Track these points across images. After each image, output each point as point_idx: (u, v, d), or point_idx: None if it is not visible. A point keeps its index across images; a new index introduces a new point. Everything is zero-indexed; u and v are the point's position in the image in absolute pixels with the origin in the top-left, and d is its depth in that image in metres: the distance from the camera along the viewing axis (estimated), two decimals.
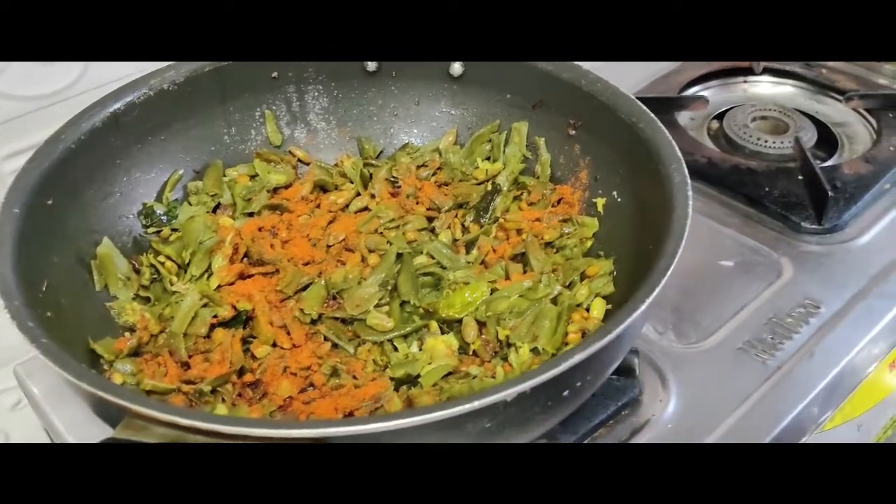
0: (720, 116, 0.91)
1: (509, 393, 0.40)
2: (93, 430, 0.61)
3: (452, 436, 0.42)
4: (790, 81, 0.96)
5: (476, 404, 0.39)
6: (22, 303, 0.46)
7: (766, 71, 0.96)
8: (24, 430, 0.81)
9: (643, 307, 0.43)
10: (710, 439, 0.59)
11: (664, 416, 0.61)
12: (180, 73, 0.65)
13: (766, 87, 0.96)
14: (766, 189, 0.79)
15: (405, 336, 0.59)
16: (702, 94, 0.94)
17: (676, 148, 0.56)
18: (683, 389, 0.63)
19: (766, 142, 0.86)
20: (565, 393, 0.45)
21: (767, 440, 0.60)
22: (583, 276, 0.60)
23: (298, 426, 0.39)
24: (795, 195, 0.78)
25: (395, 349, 0.58)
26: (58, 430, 0.62)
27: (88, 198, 0.60)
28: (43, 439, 0.83)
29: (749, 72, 0.96)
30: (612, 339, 0.42)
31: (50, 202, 0.56)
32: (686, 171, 0.54)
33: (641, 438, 0.60)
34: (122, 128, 0.62)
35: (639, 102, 0.60)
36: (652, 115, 0.59)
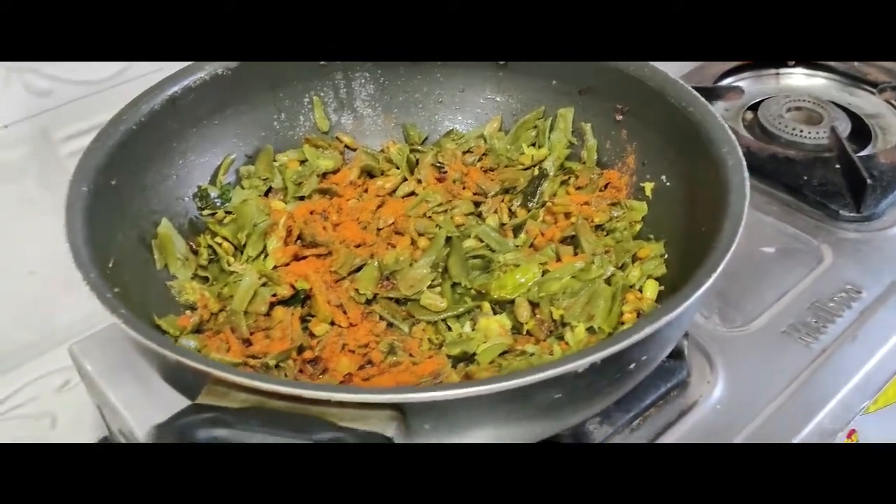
0: (753, 107, 0.92)
1: (582, 363, 0.41)
2: (149, 408, 0.62)
3: (523, 406, 0.43)
4: (822, 73, 0.97)
5: (551, 373, 0.40)
6: (97, 276, 0.47)
7: (798, 63, 0.96)
8: (71, 411, 0.82)
9: (714, 275, 0.45)
10: (758, 421, 0.60)
11: (712, 398, 0.62)
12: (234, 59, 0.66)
13: (798, 79, 0.97)
14: (804, 178, 0.80)
15: (458, 316, 0.60)
16: (735, 84, 0.95)
17: (729, 131, 0.57)
18: (730, 372, 0.64)
19: (801, 132, 0.86)
20: (632, 366, 0.46)
21: (814, 422, 0.60)
22: (634, 259, 0.61)
23: (380, 391, 0.40)
24: (833, 184, 0.79)
25: (449, 329, 0.59)
26: (115, 407, 0.63)
27: (148, 179, 0.61)
28: (88, 420, 0.84)
29: (782, 63, 0.97)
30: (686, 307, 0.43)
31: (114, 182, 0.57)
32: (740, 153, 0.55)
33: (690, 419, 0.61)
34: (179, 111, 0.63)
35: (688, 87, 0.61)
36: (702, 99, 0.60)
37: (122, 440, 0.67)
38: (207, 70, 0.65)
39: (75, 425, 0.84)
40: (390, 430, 0.40)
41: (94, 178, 0.55)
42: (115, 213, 0.57)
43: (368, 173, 0.72)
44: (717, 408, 0.61)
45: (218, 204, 0.66)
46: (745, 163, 0.54)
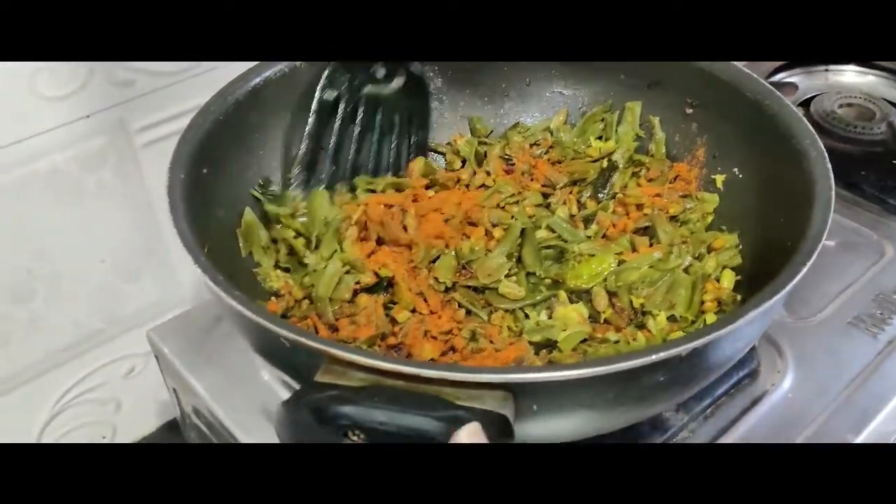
0: (804, 104, 0.93)
1: (686, 347, 0.43)
2: (227, 389, 0.64)
3: (629, 388, 0.44)
4: (873, 71, 0.97)
5: (662, 355, 0.41)
6: (207, 260, 0.49)
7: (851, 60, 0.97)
8: (135, 397, 0.84)
9: (813, 258, 0.46)
10: (831, 408, 0.61)
11: (783, 387, 0.63)
12: None
13: (849, 76, 0.98)
14: (862, 173, 0.81)
15: (535, 305, 0.61)
16: (789, 81, 0.95)
17: (808, 124, 0.58)
18: (799, 361, 0.65)
19: (855, 128, 0.87)
20: (727, 351, 0.47)
21: (885, 411, 0.61)
22: (709, 249, 0.62)
23: (498, 371, 0.42)
24: (892, 179, 0.80)
25: (527, 317, 0.60)
26: (195, 389, 0.64)
27: (232, 169, 0.62)
28: (152, 406, 0.86)
29: (832, 60, 0.98)
30: (792, 286, 0.44)
31: (205, 171, 0.58)
32: (821, 145, 0.56)
33: (763, 407, 0.61)
34: (261, 102, 0.64)
35: (761, 80, 0.62)
36: (778, 92, 0.61)
37: (195, 420, 0.69)
38: (287, 62, 0.66)
39: (140, 411, 0.85)
40: (505, 409, 0.41)
41: (189, 167, 0.56)
42: (206, 201, 0.58)
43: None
44: (788, 396, 0.62)
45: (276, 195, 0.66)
46: (826, 155, 0.55)
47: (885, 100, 0.92)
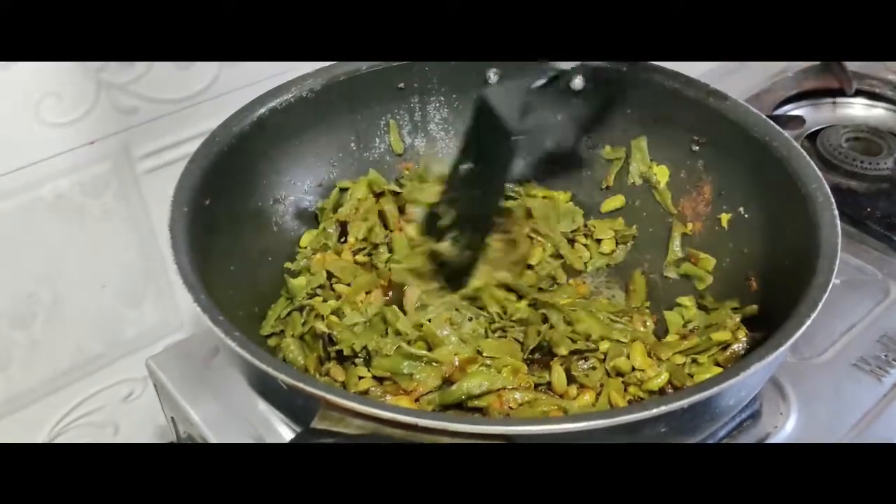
0: (810, 137, 0.93)
1: (683, 403, 0.42)
2: (227, 422, 0.63)
3: (631, 440, 0.43)
4: (881, 104, 0.97)
5: (664, 409, 0.41)
6: (208, 298, 0.48)
7: (858, 93, 0.97)
8: (134, 421, 0.84)
9: (815, 312, 0.46)
10: None
11: (786, 429, 0.62)
12: (318, 82, 0.67)
13: (856, 109, 0.98)
14: (868, 210, 0.81)
15: None
16: (796, 114, 0.95)
17: (816, 168, 0.57)
18: (802, 403, 0.64)
19: (862, 162, 0.87)
20: (731, 401, 0.46)
21: None
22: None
23: (492, 423, 0.41)
24: None
25: None
26: (194, 420, 0.64)
27: (234, 199, 0.63)
28: (149, 430, 0.86)
29: (839, 93, 0.98)
30: (790, 345, 0.44)
31: (207, 202, 0.58)
32: (828, 190, 0.56)
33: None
34: (266, 132, 0.65)
35: (770, 121, 0.62)
36: (786, 134, 0.61)
37: None
38: (293, 92, 0.66)
39: (137, 434, 0.85)
40: None
41: (192, 199, 0.56)
42: (208, 230, 0.58)
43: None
44: (791, 439, 0.62)
45: None
46: (833, 200, 0.55)
47: (893, 134, 0.91)
